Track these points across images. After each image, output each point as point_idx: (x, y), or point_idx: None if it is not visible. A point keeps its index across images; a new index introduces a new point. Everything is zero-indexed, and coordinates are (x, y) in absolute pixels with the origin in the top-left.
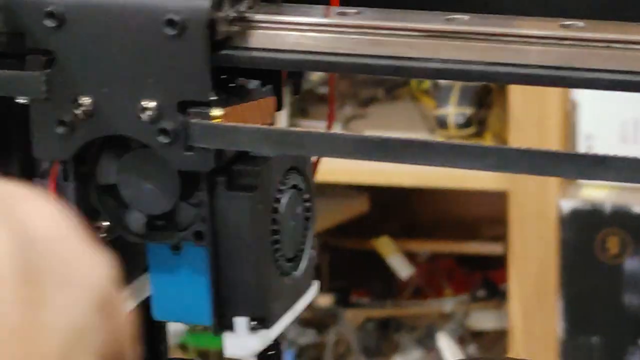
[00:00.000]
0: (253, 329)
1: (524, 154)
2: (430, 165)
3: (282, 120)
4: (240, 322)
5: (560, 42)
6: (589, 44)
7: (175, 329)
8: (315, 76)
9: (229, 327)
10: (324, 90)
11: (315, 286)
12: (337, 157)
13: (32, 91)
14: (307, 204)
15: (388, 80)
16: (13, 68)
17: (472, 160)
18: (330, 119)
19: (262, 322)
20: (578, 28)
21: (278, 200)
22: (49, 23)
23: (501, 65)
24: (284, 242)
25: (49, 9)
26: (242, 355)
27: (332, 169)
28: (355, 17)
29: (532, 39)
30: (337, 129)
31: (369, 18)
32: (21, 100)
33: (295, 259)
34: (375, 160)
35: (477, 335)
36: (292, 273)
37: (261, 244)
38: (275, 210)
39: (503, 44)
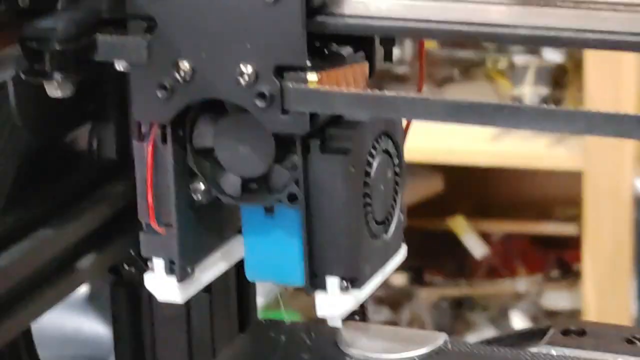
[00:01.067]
0: (344, 288)
1: (611, 117)
2: (520, 128)
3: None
4: (332, 282)
5: None
6: None
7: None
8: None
9: (321, 286)
10: (401, 69)
11: (403, 249)
12: (429, 120)
13: (134, 56)
14: (397, 169)
15: (463, 60)
16: (114, 34)
17: (562, 124)
18: (420, 84)
19: (353, 282)
20: None
21: (370, 164)
22: None
23: (590, 32)
24: (375, 205)
25: None
26: (333, 314)
27: (406, 149)
28: None
29: (620, 6)
30: None
31: None
32: (120, 66)
33: (385, 222)
34: (467, 124)
35: (550, 315)
36: (382, 235)
37: (353, 206)
38: (367, 174)
39: (592, 11)
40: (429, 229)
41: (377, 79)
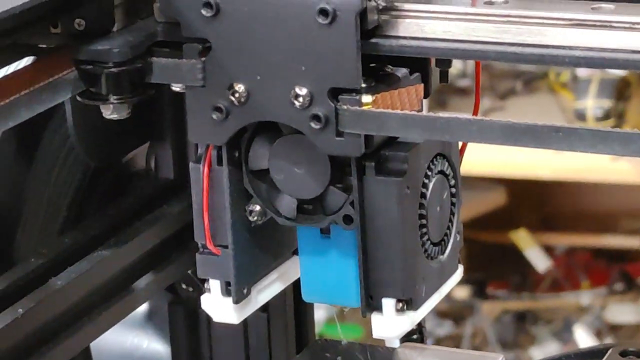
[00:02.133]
0: (400, 310)
1: None
2: (576, 151)
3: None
4: (388, 304)
5: None
6: None
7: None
8: (454, 69)
9: (377, 308)
10: (463, 82)
11: (460, 270)
12: (484, 142)
13: (190, 78)
14: (453, 190)
15: (526, 73)
16: (170, 56)
17: (617, 146)
18: (477, 104)
19: (409, 303)
20: None
21: (425, 186)
22: (205, 12)
23: None
24: (431, 226)
25: None
26: (389, 336)
27: (469, 162)
28: (502, 6)
29: None
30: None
31: (516, 7)
32: (176, 87)
33: (441, 243)
34: (522, 146)
35: (614, 329)
36: (438, 257)
37: (408, 228)
38: (423, 195)
39: None
40: (492, 242)
41: (439, 92)
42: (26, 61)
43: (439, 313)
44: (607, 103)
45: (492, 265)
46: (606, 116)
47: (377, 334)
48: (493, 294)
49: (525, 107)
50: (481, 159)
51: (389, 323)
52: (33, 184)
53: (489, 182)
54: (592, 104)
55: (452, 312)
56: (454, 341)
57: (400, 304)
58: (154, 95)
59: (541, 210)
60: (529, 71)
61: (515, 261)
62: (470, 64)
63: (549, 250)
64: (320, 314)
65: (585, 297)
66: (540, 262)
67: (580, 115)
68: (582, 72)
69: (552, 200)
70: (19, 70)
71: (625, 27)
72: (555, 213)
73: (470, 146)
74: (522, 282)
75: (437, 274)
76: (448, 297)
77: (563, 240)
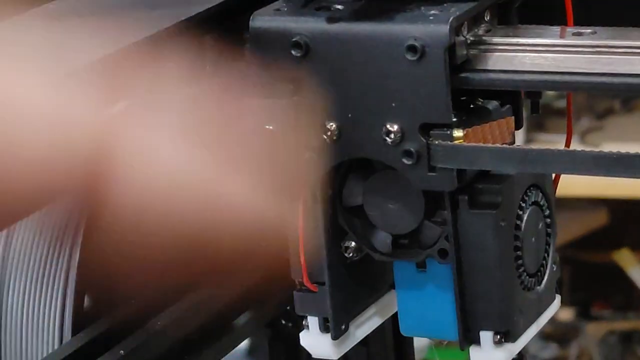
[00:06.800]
0: (498, 342)
1: None
2: None
3: (519, 134)
4: (486, 336)
5: None
6: None
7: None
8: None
9: (475, 341)
10: (560, 104)
11: (557, 300)
12: (577, 174)
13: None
14: (548, 220)
15: None
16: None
17: None
18: (569, 136)
19: (507, 336)
20: None
21: (520, 217)
22: (295, 53)
23: None
24: (527, 257)
25: (295, 39)
26: None
27: (570, 183)
28: (590, 36)
29: None
30: (574, 142)
31: (604, 37)
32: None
33: (537, 274)
34: (614, 176)
35: None
36: (535, 288)
37: (504, 260)
38: (518, 227)
39: None
40: (595, 262)
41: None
42: None
43: (544, 335)
44: None
45: (596, 285)
46: None
47: None
48: (598, 314)
49: (624, 126)
50: (581, 180)
51: (487, 355)
52: None
53: (589, 202)
54: None
55: (556, 334)
56: None
57: (498, 336)
58: None
59: None
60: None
61: (619, 281)
62: None
63: None
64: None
65: None
66: None
67: None
68: None
69: None
70: None
71: None
72: None
73: None
74: (626, 302)
75: (535, 305)
76: (552, 319)
77: None
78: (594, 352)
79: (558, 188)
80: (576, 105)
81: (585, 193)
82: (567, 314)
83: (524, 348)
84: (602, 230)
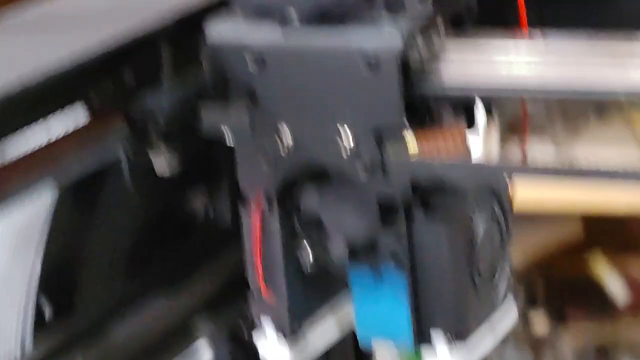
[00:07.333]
0: (449, 342)
1: None
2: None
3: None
4: (438, 335)
5: None
6: None
7: None
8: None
9: (427, 340)
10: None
11: (514, 306)
12: (532, 184)
13: (238, 128)
14: (503, 225)
15: (599, 103)
16: (218, 107)
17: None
18: (524, 143)
19: (458, 335)
20: None
21: (474, 226)
22: (251, 65)
23: None
24: (480, 262)
25: (250, 52)
26: None
27: (544, 198)
28: (542, 46)
29: None
30: (548, 150)
31: (556, 46)
32: (230, 142)
33: (490, 277)
34: (569, 183)
35: None
36: (487, 290)
37: (458, 267)
38: (472, 238)
39: None
40: (570, 271)
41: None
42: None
43: (519, 344)
44: None
45: (571, 295)
46: None
47: None
48: (573, 324)
49: (598, 139)
50: (556, 196)
51: (440, 355)
52: (93, 234)
53: (565, 215)
54: None
55: (531, 343)
56: None
57: (450, 336)
58: (211, 146)
59: (619, 237)
60: (602, 101)
61: (594, 290)
62: None
63: (628, 277)
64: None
65: None
66: (619, 290)
67: None
68: None
69: (630, 227)
70: (74, 130)
71: None
72: (633, 240)
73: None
74: (602, 312)
75: (487, 305)
76: (528, 330)
77: None
78: None
79: (532, 203)
80: (550, 112)
81: (560, 207)
82: (543, 325)
83: (497, 355)
84: (577, 239)
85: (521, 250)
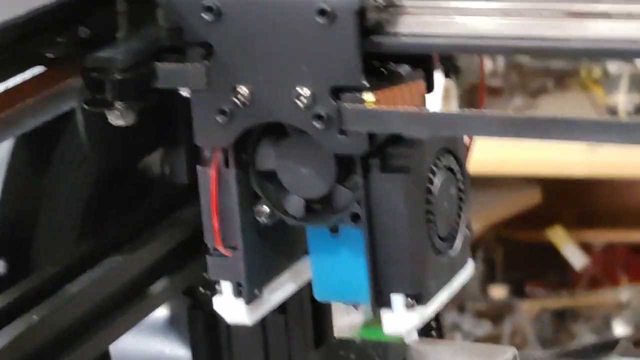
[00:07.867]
0: (409, 306)
1: None
2: (576, 141)
3: (453, 102)
4: (397, 299)
5: None
6: None
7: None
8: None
9: (387, 304)
10: (494, 82)
11: (470, 265)
12: (486, 135)
13: (194, 82)
14: (461, 185)
15: (557, 71)
16: (174, 61)
17: (617, 135)
18: (481, 100)
19: (418, 299)
20: None
21: (431, 181)
22: (207, 16)
23: None
24: (438, 221)
25: (206, 3)
26: (400, 332)
27: (503, 162)
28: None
29: None
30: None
31: (516, 0)
32: (184, 93)
33: (449, 238)
34: (523, 138)
35: None
36: (446, 252)
37: (416, 224)
38: (429, 191)
39: None
40: (529, 241)
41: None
42: (34, 72)
43: (478, 313)
44: (638, 98)
45: (529, 264)
46: (638, 110)
47: (387, 330)
48: (531, 292)
49: (557, 105)
50: (514, 158)
51: (399, 319)
52: (48, 192)
53: (523, 180)
54: (623, 99)
55: (490, 312)
56: (494, 341)
57: (410, 300)
58: (167, 101)
59: (577, 207)
60: (560, 68)
61: (552, 259)
62: (500, 63)
63: (586, 247)
64: (358, 318)
65: (625, 293)
66: (577, 259)
67: (612, 111)
68: (613, 67)
69: (588, 197)
70: (26, 80)
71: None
72: (591, 210)
73: (503, 145)
74: (560, 280)
75: (447, 268)
76: (486, 297)
77: (600, 237)
78: (528, 330)
79: (491, 166)
80: (509, 84)
81: (518, 172)
82: (501, 292)
83: (455, 324)
84: (536, 208)
85: (481, 218)
